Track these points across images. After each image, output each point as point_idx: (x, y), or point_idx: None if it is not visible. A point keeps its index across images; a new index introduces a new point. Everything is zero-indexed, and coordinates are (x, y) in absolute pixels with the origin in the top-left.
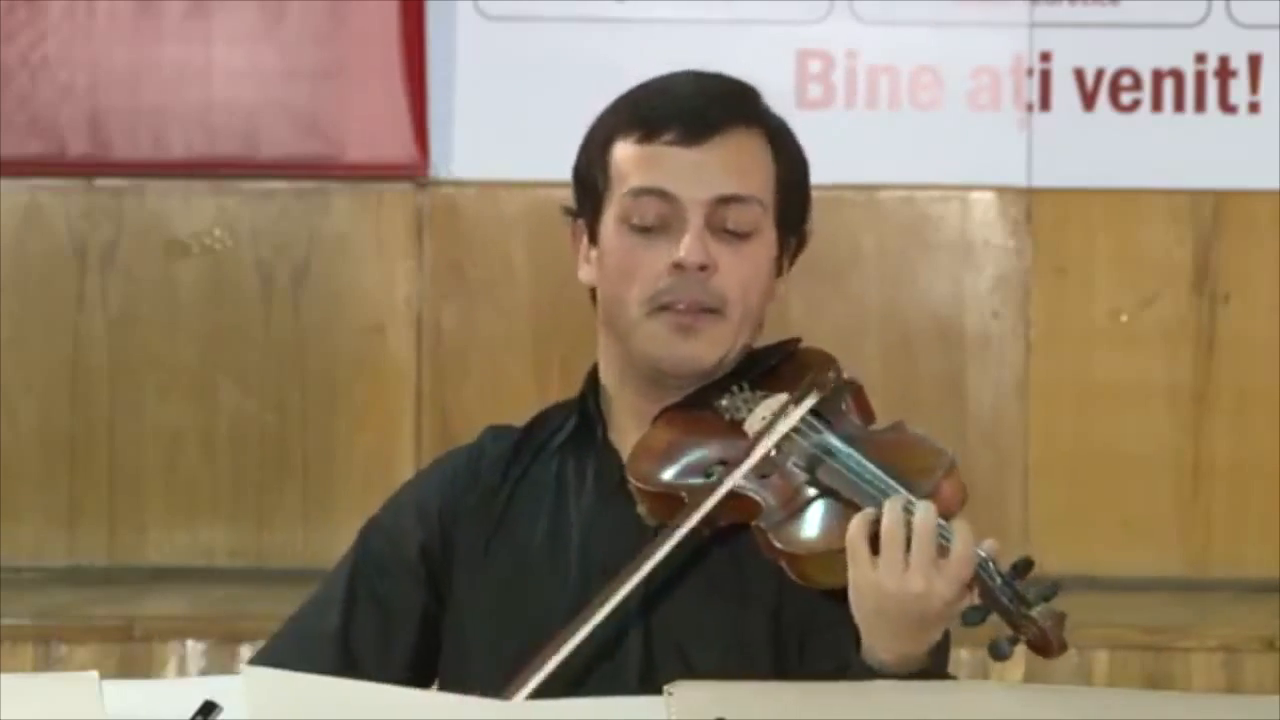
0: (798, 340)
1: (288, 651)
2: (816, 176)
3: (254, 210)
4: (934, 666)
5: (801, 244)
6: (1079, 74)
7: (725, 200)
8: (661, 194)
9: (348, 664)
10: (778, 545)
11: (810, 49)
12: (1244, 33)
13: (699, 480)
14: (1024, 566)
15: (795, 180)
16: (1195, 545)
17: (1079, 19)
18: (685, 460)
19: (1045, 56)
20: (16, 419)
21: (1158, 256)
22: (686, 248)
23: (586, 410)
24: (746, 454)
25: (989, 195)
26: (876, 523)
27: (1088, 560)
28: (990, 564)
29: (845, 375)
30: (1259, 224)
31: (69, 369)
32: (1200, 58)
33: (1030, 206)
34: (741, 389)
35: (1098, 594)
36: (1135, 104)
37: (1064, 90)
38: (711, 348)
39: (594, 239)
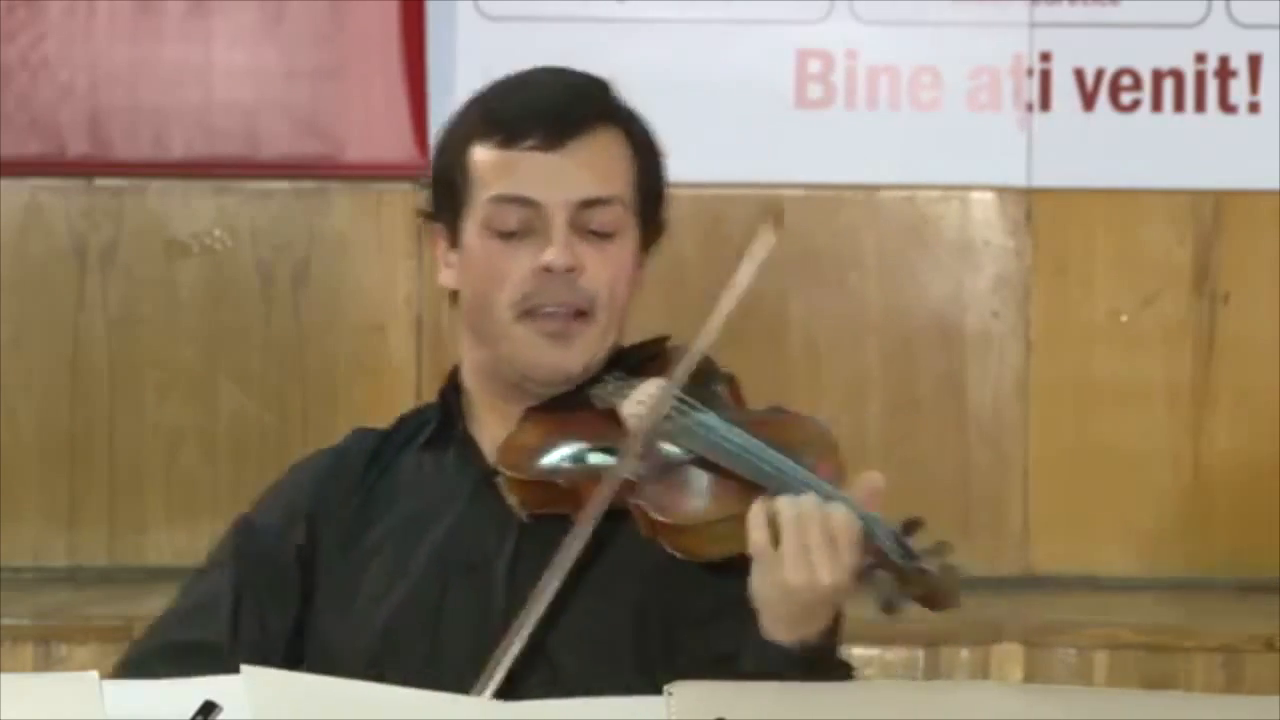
0: (667, 338)
1: (165, 656)
2: (816, 176)
3: (254, 210)
4: (830, 646)
5: (658, 232)
6: (1079, 74)
7: (589, 203)
8: (524, 201)
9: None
10: (657, 518)
11: (810, 49)
12: (1244, 33)
13: (577, 465)
14: (913, 524)
15: (653, 173)
16: (1195, 545)
17: (1079, 19)
18: (560, 448)
19: (1045, 56)
20: (16, 419)
21: (1158, 256)
22: (554, 251)
23: (447, 407)
24: (626, 437)
25: (989, 195)
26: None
27: (1088, 560)
28: (878, 524)
29: (720, 368)
30: (1259, 224)
31: (69, 369)
32: (1200, 58)
33: (1030, 206)
34: (617, 377)
35: (1098, 594)
36: (1135, 104)
37: (1064, 90)
38: (581, 354)
39: (454, 242)
